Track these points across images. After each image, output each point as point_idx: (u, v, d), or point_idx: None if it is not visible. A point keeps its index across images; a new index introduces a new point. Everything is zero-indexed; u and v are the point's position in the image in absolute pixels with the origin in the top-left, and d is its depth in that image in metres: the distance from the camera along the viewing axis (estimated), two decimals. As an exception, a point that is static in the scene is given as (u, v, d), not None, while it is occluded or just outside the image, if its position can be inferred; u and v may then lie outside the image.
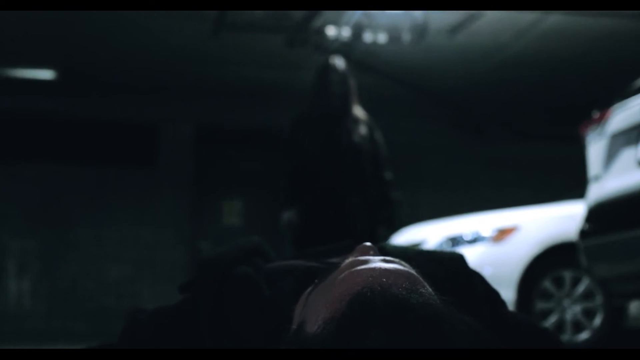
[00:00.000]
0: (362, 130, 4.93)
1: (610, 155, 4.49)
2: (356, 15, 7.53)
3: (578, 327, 5.97)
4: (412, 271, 1.00)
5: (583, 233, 4.62)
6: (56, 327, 9.44)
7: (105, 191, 9.88)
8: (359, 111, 5.02)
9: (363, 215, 4.83)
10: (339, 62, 5.04)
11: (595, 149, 4.69)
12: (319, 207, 4.81)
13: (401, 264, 1.01)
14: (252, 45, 8.40)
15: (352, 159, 4.85)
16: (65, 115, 9.89)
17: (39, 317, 9.47)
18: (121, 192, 9.92)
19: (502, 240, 6.12)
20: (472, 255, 5.91)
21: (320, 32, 7.89)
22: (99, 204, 9.82)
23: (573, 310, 5.97)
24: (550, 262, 6.02)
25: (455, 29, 7.90)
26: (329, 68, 4.99)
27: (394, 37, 7.96)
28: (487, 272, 5.72)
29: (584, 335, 5.92)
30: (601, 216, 4.50)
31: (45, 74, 9.27)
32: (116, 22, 7.64)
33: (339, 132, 4.89)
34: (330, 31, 7.91)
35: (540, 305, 5.96)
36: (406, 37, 7.95)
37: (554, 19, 7.55)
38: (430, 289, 0.98)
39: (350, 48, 8.40)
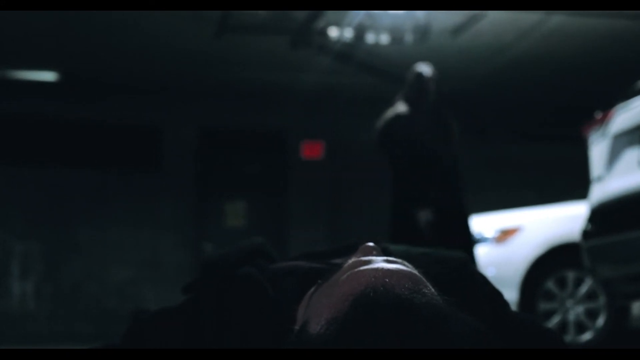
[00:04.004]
0: (456, 134, 5.33)
1: (613, 156, 4.49)
2: (359, 16, 7.53)
3: (581, 327, 5.96)
4: (415, 271, 1.00)
5: (586, 233, 4.62)
6: (59, 329, 9.44)
7: (108, 193, 9.89)
8: (450, 117, 5.33)
9: (469, 214, 5.25)
10: (430, 69, 5.31)
11: (598, 149, 4.69)
12: (440, 208, 5.07)
13: (404, 265, 1.01)
14: (255, 47, 8.41)
15: (454, 163, 5.25)
16: (68, 118, 9.89)
17: (42, 319, 9.47)
18: (124, 194, 9.93)
19: (505, 241, 6.12)
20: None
21: (323, 33, 7.90)
22: (102, 206, 9.82)
23: (576, 311, 5.96)
24: (553, 262, 6.02)
25: (457, 30, 7.90)
26: (423, 76, 5.26)
27: (397, 38, 7.97)
28: (490, 273, 5.73)
29: (587, 336, 5.92)
30: (604, 217, 4.50)
31: (48, 77, 9.29)
32: (119, 24, 7.65)
33: (443, 136, 5.23)
34: (333, 32, 7.91)
35: (543, 305, 5.96)
36: (408, 38, 7.96)
37: (556, 20, 7.55)
38: (433, 290, 0.98)
39: (352, 49, 8.41)
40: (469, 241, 5.14)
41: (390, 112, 5.27)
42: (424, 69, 5.30)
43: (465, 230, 5.14)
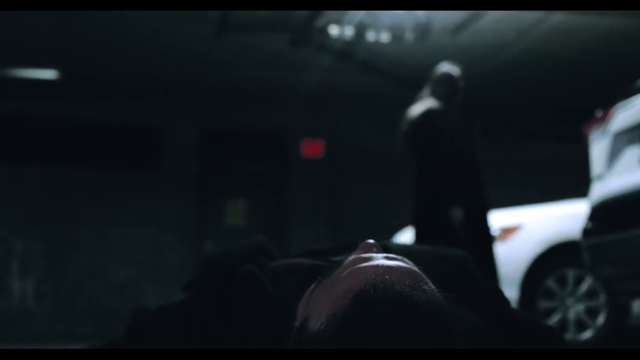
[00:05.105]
0: (479, 133, 5.42)
1: (614, 155, 4.49)
2: (359, 14, 7.53)
3: (581, 326, 5.96)
4: (415, 268, 1.00)
5: (586, 232, 4.62)
6: (60, 328, 9.45)
7: (109, 193, 9.89)
8: (474, 116, 5.47)
9: (489, 211, 5.29)
10: (458, 69, 5.42)
11: (598, 148, 4.69)
12: (468, 205, 5.08)
13: (404, 262, 1.01)
14: (255, 46, 8.40)
15: (478, 160, 5.27)
16: (69, 118, 9.90)
17: (43, 319, 9.48)
18: (125, 193, 9.93)
19: (506, 239, 6.12)
20: (476, 255, 5.91)
21: (323, 31, 7.89)
22: (103, 206, 9.82)
23: (576, 309, 5.96)
24: (553, 260, 6.01)
25: (458, 28, 7.90)
26: (453, 75, 5.35)
27: (397, 37, 7.96)
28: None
29: (587, 334, 5.92)
30: (604, 215, 4.50)
31: (50, 77, 9.28)
32: (120, 24, 7.64)
33: (469, 134, 5.31)
34: (333, 30, 7.90)
35: (544, 304, 5.95)
36: (409, 36, 7.95)
37: (556, 18, 7.54)
38: (433, 286, 0.98)
39: (353, 47, 8.40)
40: (489, 238, 5.16)
41: (420, 107, 5.21)
42: (452, 67, 5.32)
43: (487, 227, 5.16)
